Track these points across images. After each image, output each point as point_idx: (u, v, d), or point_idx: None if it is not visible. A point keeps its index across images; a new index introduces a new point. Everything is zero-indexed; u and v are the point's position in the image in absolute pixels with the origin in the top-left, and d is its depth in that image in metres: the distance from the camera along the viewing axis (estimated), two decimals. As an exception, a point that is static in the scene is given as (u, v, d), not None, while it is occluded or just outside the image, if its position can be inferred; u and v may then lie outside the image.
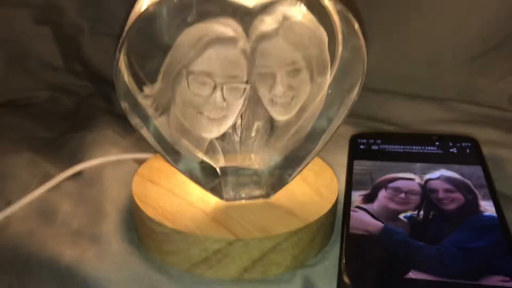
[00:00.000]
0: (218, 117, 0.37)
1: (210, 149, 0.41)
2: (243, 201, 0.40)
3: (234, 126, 0.40)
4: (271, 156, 0.42)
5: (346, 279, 0.34)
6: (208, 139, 0.40)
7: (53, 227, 0.41)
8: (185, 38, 0.36)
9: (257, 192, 0.41)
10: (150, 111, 0.38)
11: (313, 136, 0.41)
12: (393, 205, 0.42)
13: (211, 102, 0.37)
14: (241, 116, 0.40)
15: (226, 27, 0.36)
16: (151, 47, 0.37)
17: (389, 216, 0.41)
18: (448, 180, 0.46)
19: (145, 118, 0.38)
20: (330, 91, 0.40)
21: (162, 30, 0.36)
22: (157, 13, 0.34)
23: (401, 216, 0.41)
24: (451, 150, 0.51)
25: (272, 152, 0.41)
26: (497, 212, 0.41)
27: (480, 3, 0.66)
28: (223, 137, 0.40)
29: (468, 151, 0.51)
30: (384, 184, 0.45)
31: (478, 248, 0.37)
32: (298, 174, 0.41)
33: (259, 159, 0.42)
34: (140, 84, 0.37)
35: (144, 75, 0.37)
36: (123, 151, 0.52)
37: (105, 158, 0.49)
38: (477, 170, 0.47)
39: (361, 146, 0.52)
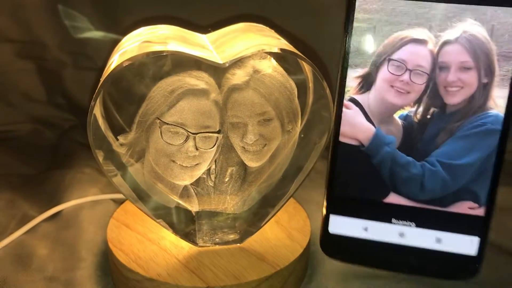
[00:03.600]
0: (190, 165, 0.38)
1: (184, 193, 0.41)
2: (216, 246, 0.41)
3: (208, 171, 0.41)
4: (245, 200, 0.42)
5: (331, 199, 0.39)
6: (182, 185, 0.41)
7: (28, 273, 0.41)
8: (159, 90, 0.37)
9: (230, 237, 0.42)
10: (124, 158, 0.39)
11: (286, 180, 0.42)
12: (391, 97, 0.37)
13: (183, 151, 0.38)
14: (215, 161, 0.41)
15: (198, 80, 0.37)
16: (127, 97, 0.38)
17: (384, 115, 0.37)
18: (469, 44, 0.35)
19: (119, 166, 0.39)
20: (302, 135, 0.42)
21: (138, 80, 0.37)
22: (132, 64, 0.35)
23: (397, 116, 0.37)
24: None
25: (246, 196, 0.42)
26: (506, 109, 0.35)
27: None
28: (197, 182, 0.41)
29: None
30: (387, 55, 0.37)
31: (462, 166, 0.37)
32: (271, 218, 0.42)
33: (233, 203, 0.42)
34: (115, 133, 0.38)
35: (120, 124, 0.39)
36: (101, 190, 0.53)
37: (83, 199, 0.50)
38: None
39: None
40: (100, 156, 0.37)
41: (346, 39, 0.37)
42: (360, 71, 0.37)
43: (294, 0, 0.63)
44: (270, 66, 0.38)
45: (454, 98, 0.36)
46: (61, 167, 0.59)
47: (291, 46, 0.37)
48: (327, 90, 0.36)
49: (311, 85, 0.40)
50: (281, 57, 0.39)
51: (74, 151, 0.64)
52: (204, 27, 0.43)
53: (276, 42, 0.37)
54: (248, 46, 0.36)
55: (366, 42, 0.37)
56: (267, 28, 0.42)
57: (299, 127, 0.41)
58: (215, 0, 0.64)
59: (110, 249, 0.40)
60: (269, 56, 0.38)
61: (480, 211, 0.38)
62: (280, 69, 0.38)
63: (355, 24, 0.36)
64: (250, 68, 0.38)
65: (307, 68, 0.38)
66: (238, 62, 0.37)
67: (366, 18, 0.36)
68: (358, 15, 0.36)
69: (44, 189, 0.54)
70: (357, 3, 0.36)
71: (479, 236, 0.39)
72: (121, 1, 0.66)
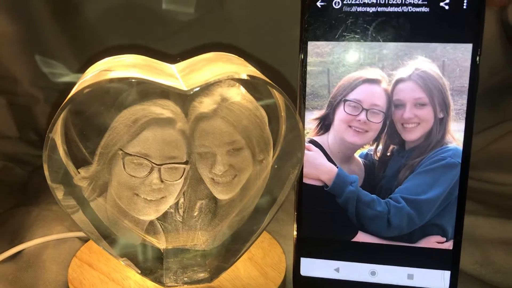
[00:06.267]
0: (155, 199, 0.36)
1: (151, 229, 0.39)
2: (185, 286, 0.38)
3: (176, 205, 0.39)
4: (215, 236, 0.40)
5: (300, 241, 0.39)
6: (148, 220, 0.38)
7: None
8: (122, 119, 0.35)
9: (200, 276, 0.39)
10: (86, 192, 0.37)
11: (258, 214, 0.40)
12: (349, 136, 0.37)
13: (147, 183, 0.36)
14: (184, 194, 0.39)
15: (163, 109, 0.35)
16: (90, 128, 0.37)
17: (345, 154, 0.38)
18: (422, 81, 0.35)
19: (80, 201, 0.36)
20: (276, 166, 0.40)
21: (101, 111, 0.36)
22: (96, 93, 0.34)
23: (357, 155, 0.38)
24: (441, 3, 0.34)
25: (216, 231, 0.40)
26: (464, 142, 0.35)
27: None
28: (164, 217, 0.39)
29: (466, 4, 0.34)
30: (342, 96, 0.37)
31: (426, 201, 0.36)
32: (243, 254, 0.39)
33: (204, 239, 0.40)
34: (76, 166, 0.36)
35: (82, 156, 0.37)
36: (68, 228, 0.50)
37: (46, 237, 0.47)
38: (465, 52, 0.34)
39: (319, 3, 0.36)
40: (59, 190, 0.35)
41: (301, 83, 0.37)
42: (318, 113, 0.38)
43: (266, 31, 0.63)
44: (238, 94, 0.37)
45: (412, 135, 0.36)
46: (28, 204, 0.56)
47: (261, 74, 0.36)
48: (300, 124, 0.35)
49: (283, 114, 0.39)
50: (251, 86, 0.38)
51: (44, 188, 0.61)
52: (173, 57, 0.41)
53: (246, 70, 0.35)
54: (215, 73, 0.34)
55: (321, 84, 0.37)
56: (237, 57, 0.41)
57: (271, 157, 0.39)
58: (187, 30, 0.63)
59: (70, 291, 0.37)
60: (237, 84, 0.37)
61: (448, 245, 0.37)
62: (249, 96, 0.37)
63: (308, 68, 0.37)
64: (218, 96, 0.36)
65: (278, 97, 0.37)
66: (205, 90, 0.36)
67: (319, 61, 0.36)
68: (311, 59, 0.37)
69: (7, 228, 0.51)
70: (309, 47, 0.36)
71: (449, 270, 0.38)
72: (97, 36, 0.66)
